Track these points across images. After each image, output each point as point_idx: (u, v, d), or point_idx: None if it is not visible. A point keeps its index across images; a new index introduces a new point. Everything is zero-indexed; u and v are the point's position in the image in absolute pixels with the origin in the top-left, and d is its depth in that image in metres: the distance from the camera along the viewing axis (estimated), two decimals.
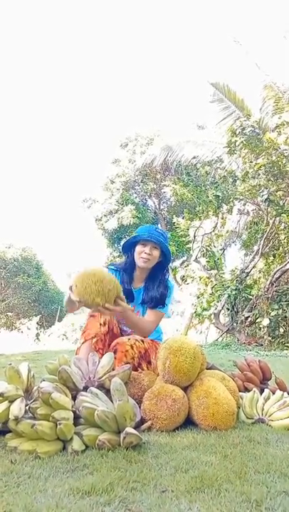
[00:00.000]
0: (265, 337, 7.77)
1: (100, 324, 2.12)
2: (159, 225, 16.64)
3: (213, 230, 9.76)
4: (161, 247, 2.28)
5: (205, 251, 10.04)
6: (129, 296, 2.31)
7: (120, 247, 2.46)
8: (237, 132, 8.18)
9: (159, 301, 2.26)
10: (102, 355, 2.00)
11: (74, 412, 1.52)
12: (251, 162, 8.07)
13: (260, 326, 7.94)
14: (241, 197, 8.68)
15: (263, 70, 8.94)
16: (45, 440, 1.41)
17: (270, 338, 7.74)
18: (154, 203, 17.16)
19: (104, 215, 15.76)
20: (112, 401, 1.53)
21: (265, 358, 5.10)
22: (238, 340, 8.25)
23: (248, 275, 8.89)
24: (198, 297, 9.65)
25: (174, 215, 13.07)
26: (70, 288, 1.90)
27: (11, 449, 1.40)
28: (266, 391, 1.95)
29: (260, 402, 1.88)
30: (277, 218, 8.14)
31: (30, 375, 1.71)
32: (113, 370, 1.86)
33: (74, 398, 1.61)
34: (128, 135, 16.69)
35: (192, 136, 11.23)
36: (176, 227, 11.54)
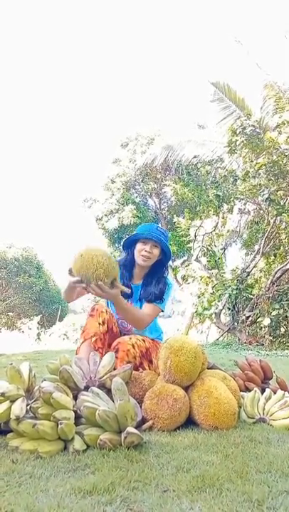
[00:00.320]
0: (266, 336, 7.77)
1: (99, 323, 2.12)
2: (160, 225, 16.64)
3: (214, 230, 9.75)
4: (162, 246, 2.29)
5: (206, 250, 10.02)
6: (129, 292, 2.32)
7: (121, 247, 2.45)
8: (237, 132, 8.17)
9: (157, 297, 2.25)
10: (102, 354, 2.00)
11: (75, 412, 1.52)
12: (252, 161, 8.07)
13: (261, 325, 7.93)
14: (242, 196, 8.67)
15: (263, 70, 8.93)
16: (46, 440, 1.41)
17: (271, 338, 7.74)
18: (154, 202, 17.15)
19: (105, 215, 15.75)
20: (113, 401, 1.53)
21: (266, 357, 5.10)
22: (239, 339, 8.25)
23: (248, 275, 8.88)
24: (199, 297, 9.64)
25: (175, 215, 13.06)
26: (70, 270, 1.93)
27: (13, 449, 1.40)
28: (267, 391, 1.95)
29: (262, 402, 1.88)
30: (278, 218, 8.13)
31: (32, 375, 1.71)
32: (114, 369, 1.86)
33: (75, 398, 1.61)
34: (129, 135, 16.67)
35: (193, 136, 11.21)
36: (176, 227, 11.53)
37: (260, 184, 7.76)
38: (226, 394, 1.71)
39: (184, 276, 10.82)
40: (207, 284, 9.60)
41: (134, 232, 2.33)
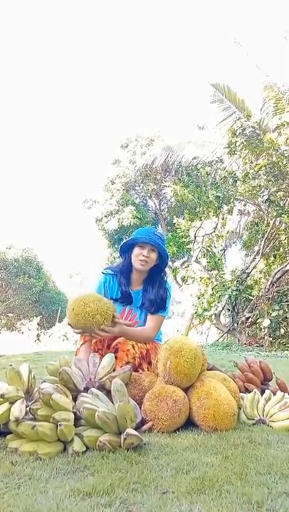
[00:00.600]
0: (266, 338, 7.76)
1: None
2: (160, 226, 16.65)
3: (214, 231, 9.75)
4: (159, 250, 2.27)
5: (205, 251, 10.02)
6: (128, 299, 2.30)
7: (120, 245, 2.44)
8: (237, 133, 8.18)
9: (159, 306, 2.25)
10: (102, 355, 2.00)
11: (75, 413, 1.52)
12: (252, 163, 8.08)
13: (261, 326, 7.93)
14: (242, 197, 8.68)
15: (263, 71, 8.94)
16: (45, 441, 1.41)
17: (270, 339, 7.73)
18: (154, 203, 17.16)
19: (105, 216, 15.75)
20: (112, 402, 1.53)
21: (265, 358, 5.09)
22: (238, 340, 8.25)
23: (248, 276, 8.88)
24: (199, 298, 9.64)
25: (175, 216, 13.05)
26: (70, 325, 1.99)
27: (12, 451, 1.40)
28: (267, 392, 1.95)
29: (261, 403, 1.88)
30: (278, 219, 8.14)
31: (31, 376, 1.71)
32: (114, 370, 1.86)
33: (75, 399, 1.61)
34: (128, 136, 16.69)
35: (192, 137, 11.22)
36: (176, 228, 11.53)
37: (259, 185, 7.76)
38: (225, 395, 1.71)
39: (184, 277, 10.81)
40: (207, 285, 9.60)
41: (131, 237, 2.31)
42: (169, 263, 2.50)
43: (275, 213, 7.87)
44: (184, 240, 11.24)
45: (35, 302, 17.33)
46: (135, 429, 1.47)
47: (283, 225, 8.47)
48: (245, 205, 9.25)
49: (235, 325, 8.49)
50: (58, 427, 1.40)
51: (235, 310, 8.63)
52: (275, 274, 8.21)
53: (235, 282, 8.63)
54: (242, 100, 9.56)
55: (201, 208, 10.01)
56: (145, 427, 1.64)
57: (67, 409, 1.48)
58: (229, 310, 8.80)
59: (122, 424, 1.44)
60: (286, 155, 7.47)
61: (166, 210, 16.93)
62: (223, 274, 9.68)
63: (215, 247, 10.16)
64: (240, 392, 2.00)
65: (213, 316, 9.11)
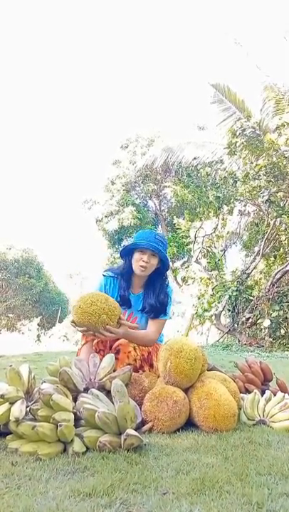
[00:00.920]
0: (266, 338, 7.76)
1: None
2: (160, 226, 16.65)
3: (214, 231, 9.75)
4: (160, 256, 2.23)
5: (206, 252, 10.02)
6: (127, 302, 2.28)
7: (121, 248, 2.41)
8: (237, 133, 8.18)
9: (159, 311, 2.23)
10: (104, 356, 2.00)
11: (75, 414, 1.52)
12: (252, 163, 8.08)
13: (261, 327, 7.93)
14: (242, 198, 8.68)
15: (263, 71, 8.95)
16: (45, 442, 1.41)
17: (271, 339, 7.73)
18: (154, 204, 17.16)
19: (105, 216, 15.75)
20: (112, 402, 1.53)
21: (266, 359, 5.09)
22: (239, 341, 8.24)
23: (248, 276, 8.88)
24: (199, 298, 9.64)
25: (175, 216, 13.05)
26: (73, 323, 1.95)
27: (12, 451, 1.40)
28: (267, 392, 1.95)
29: (261, 404, 1.88)
30: (278, 219, 8.14)
31: (31, 377, 1.71)
32: (114, 371, 1.85)
33: (75, 400, 1.61)
34: (128, 136, 16.69)
35: (193, 138, 11.22)
36: (176, 228, 11.54)
37: (260, 186, 7.77)
38: (225, 396, 1.71)
39: (184, 277, 10.82)
40: (207, 286, 9.60)
41: (133, 241, 2.27)
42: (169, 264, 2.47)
43: (275, 214, 7.88)
44: (184, 240, 11.25)
45: (36, 303, 17.34)
46: (135, 429, 1.47)
47: (283, 225, 8.47)
48: (245, 205, 9.25)
49: (236, 325, 8.48)
50: (58, 428, 1.40)
51: (236, 310, 8.63)
52: (276, 274, 8.21)
53: (235, 283, 8.63)
54: (242, 101, 9.56)
55: (201, 208, 10.01)
56: (145, 427, 1.63)
57: (68, 410, 1.48)
58: (229, 310, 8.80)
59: (122, 424, 1.44)
60: (286, 155, 7.47)
61: (166, 210, 16.93)
62: (224, 274, 9.68)
63: (215, 247, 10.17)
64: (241, 392, 2.00)
65: (213, 317, 9.11)
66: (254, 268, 8.89)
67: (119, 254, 2.50)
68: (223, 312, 9.08)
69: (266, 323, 7.66)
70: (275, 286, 8.13)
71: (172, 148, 10.90)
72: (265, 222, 8.53)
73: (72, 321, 1.96)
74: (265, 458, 1.36)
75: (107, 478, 1.16)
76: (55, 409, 1.46)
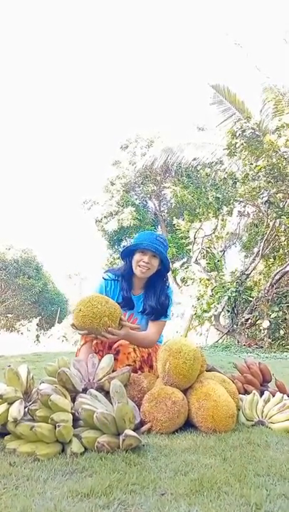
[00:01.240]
0: (265, 339, 7.77)
1: None
2: (159, 227, 16.65)
3: (214, 232, 9.77)
4: (161, 257, 2.22)
5: (205, 253, 10.04)
6: (129, 304, 2.27)
7: (120, 249, 2.40)
8: (237, 134, 8.20)
9: (160, 313, 2.23)
10: (102, 356, 1.99)
11: (73, 414, 1.51)
12: (251, 164, 8.09)
13: (261, 327, 7.93)
14: (241, 199, 8.69)
15: (263, 73, 8.98)
16: (44, 442, 1.40)
17: (270, 340, 7.74)
18: (154, 204, 17.17)
19: (105, 217, 15.76)
20: (111, 403, 1.53)
21: (265, 360, 5.09)
22: (238, 342, 8.24)
23: (248, 277, 8.89)
24: (199, 299, 9.64)
25: (174, 217, 13.05)
26: (73, 326, 1.93)
27: (10, 451, 1.39)
28: (266, 393, 1.95)
29: (260, 405, 1.87)
30: (278, 220, 8.15)
31: (30, 377, 1.71)
32: (113, 372, 1.85)
33: (73, 400, 1.61)
34: (128, 137, 16.70)
35: (192, 138, 11.23)
36: (176, 229, 11.55)
37: (259, 187, 7.78)
38: (224, 397, 1.71)
39: (184, 278, 10.83)
40: (206, 287, 9.61)
41: (134, 242, 2.26)
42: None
43: (274, 215, 7.89)
44: (183, 241, 11.27)
45: (35, 303, 17.33)
46: (134, 430, 1.47)
47: (283, 226, 8.48)
48: (244, 206, 9.27)
49: (235, 326, 8.49)
50: (57, 428, 1.39)
51: (235, 311, 8.64)
52: (275, 275, 8.22)
53: (234, 283, 8.64)
54: (242, 102, 9.57)
55: (200, 209, 10.02)
56: (144, 428, 1.63)
57: (66, 410, 1.48)
58: (229, 311, 8.81)
59: (121, 425, 1.43)
60: (286, 156, 7.48)
61: (165, 211, 16.94)
62: (223, 275, 9.69)
63: (214, 248, 10.18)
64: (240, 393, 2.00)
65: (212, 318, 9.11)
66: (253, 269, 8.89)
67: (119, 255, 2.48)
68: (223, 313, 9.08)
69: (265, 324, 7.67)
70: (275, 287, 8.14)
71: (172, 148, 10.91)
72: (265, 223, 8.54)
73: (73, 325, 1.95)
74: (263, 459, 1.36)
75: (105, 479, 1.15)
76: (54, 409, 1.45)
